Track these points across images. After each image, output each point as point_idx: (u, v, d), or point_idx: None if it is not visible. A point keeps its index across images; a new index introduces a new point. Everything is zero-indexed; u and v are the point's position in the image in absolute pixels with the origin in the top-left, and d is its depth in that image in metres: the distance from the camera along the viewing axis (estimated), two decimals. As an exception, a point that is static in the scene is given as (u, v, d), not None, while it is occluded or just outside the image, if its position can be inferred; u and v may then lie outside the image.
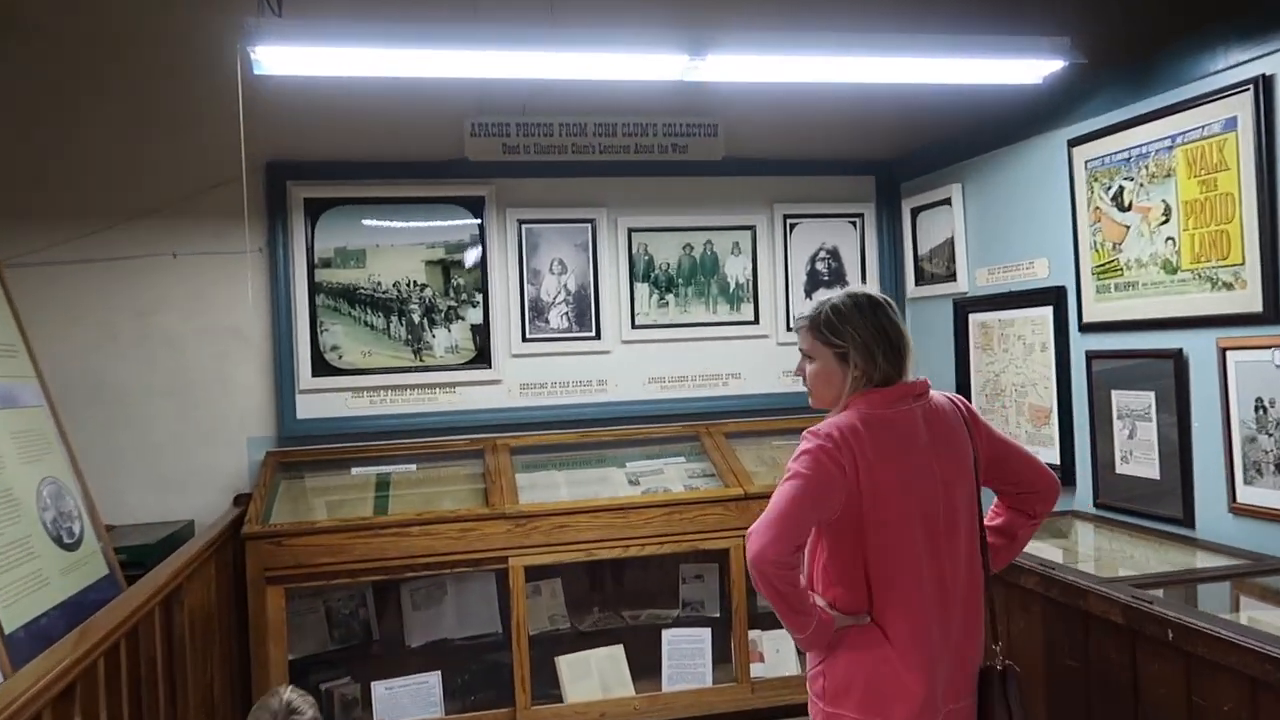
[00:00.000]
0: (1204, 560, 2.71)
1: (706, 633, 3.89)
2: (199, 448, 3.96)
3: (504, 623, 3.88)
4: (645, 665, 3.88)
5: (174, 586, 2.82)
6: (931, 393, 2.00)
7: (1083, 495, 3.35)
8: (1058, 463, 3.45)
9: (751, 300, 4.47)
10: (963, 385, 4.02)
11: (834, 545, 1.93)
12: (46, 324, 3.69)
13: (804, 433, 1.92)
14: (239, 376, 4.01)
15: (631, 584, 4.19)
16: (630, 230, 4.34)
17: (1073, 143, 3.30)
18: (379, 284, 4.10)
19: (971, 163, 3.97)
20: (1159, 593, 2.33)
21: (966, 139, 3.98)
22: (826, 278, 4.55)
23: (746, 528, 3.70)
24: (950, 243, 4.11)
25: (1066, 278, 3.40)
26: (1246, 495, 2.67)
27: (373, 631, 3.88)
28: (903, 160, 4.50)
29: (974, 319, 3.96)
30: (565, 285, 4.29)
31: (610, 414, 4.29)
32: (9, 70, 3.78)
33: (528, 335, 4.24)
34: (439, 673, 3.69)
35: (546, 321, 4.27)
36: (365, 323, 4.09)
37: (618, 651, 3.88)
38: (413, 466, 4.05)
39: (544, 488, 3.98)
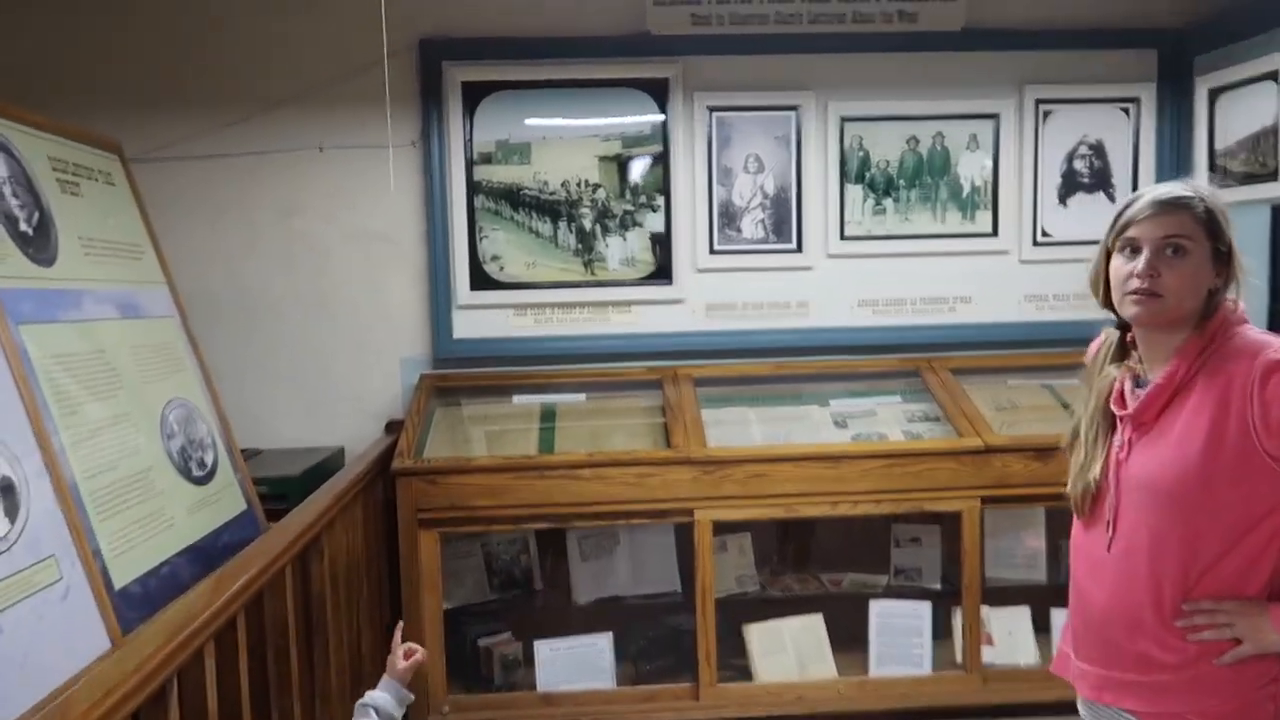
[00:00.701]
0: None
1: (926, 607, 3.23)
2: (348, 367, 3.54)
3: (685, 582, 3.34)
4: (848, 640, 3.27)
5: (315, 532, 2.38)
6: None
7: None
8: None
9: (990, 207, 3.63)
10: (1277, 314, 3.10)
11: None
12: (179, 225, 3.32)
13: (1276, 359, 1.42)
14: (391, 288, 3.54)
15: (832, 542, 3.54)
16: (843, 119, 3.57)
17: None
18: (545, 183, 3.52)
19: (1316, 21, 2.98)
20: None
21: (1309, -11, 2.99)
22: (1087, 180, 3.65)
23: (985, 487, 3.03)
24: (1271, 131, 3.15)
25: None
26: None
27: (535, 582, 3.41)
28: (1201, 26, 3.51)
29: (1305, 231, 3.02)
30: (762, 186, 3.58)
31: (812, 342, 3.60)
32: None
33: (716, 246, 3.58)
34: (610, 634, 3.20)
35: (738, 230, 3.59)
36: (530, 229, 3.53)
37: (816, 622, 3.27)
38: (582, 396, 3.50)
39: (733, 427, 3.37)
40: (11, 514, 1.84)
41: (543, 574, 3.42)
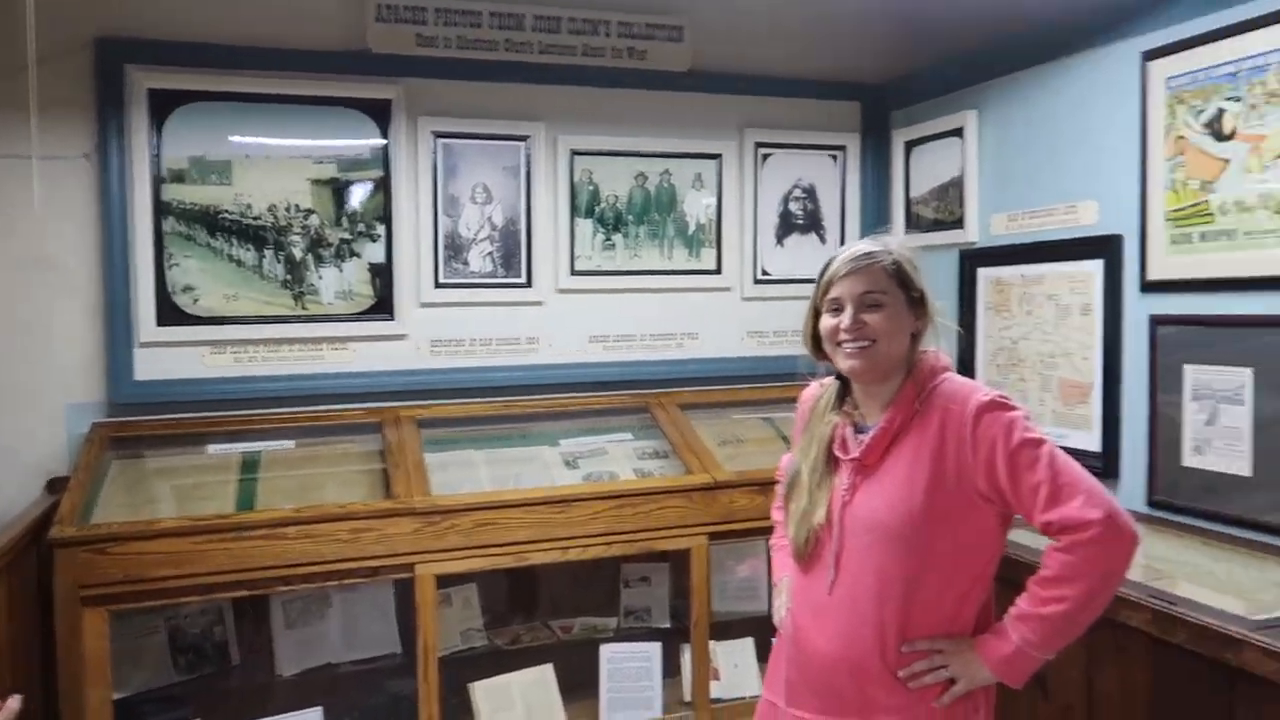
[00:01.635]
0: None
1: (656, 648, 3.18)
2: (-2, 415, 2.98)
3: (405, 642, 3.08)
4: (580, 688, 3.15)
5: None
6: None
7: (1131, 490, 2.74)
8: (1097, 449, 2.84)
9: (714, 245, 3.71)
10: (967, 352, 3.37)
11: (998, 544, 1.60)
12: None
13: (985, 401, 1.53)
14: (55, 323, 3.03)
15: (561, 588, 3.43)
16: (573, 153, 3.51)
17: (1149, 55, 2.64)
18: (248, 207, 3.17)
19: (993, 84, 3.28)
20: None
21: (987, 55, 3.29)
22: (801, 221, 3.82)
23: (712, 523, 3.04)
24: (957, 183, 3.43)
25: (1125, 225, 2.76)
26: (1391, 506, 2.08)
27: (231, 657, 3.00)
28: (896, 84, 3.78)
29: (986, 274, 3.30)
30: (490, 218, 3.43)
31: (542, 379, 3.49)
32: None
33: (442, 279, 3.38)
34: (320, 709, 2.86)
35: (465, 263, 3.41)
36: (229, 256, 3.16)
37: (546, 673, 3.12)
38: (290, 443, 3.16)
39: (459, 471, 3.17)
40: None
41: (240, 646, 3.03)
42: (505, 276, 3.44)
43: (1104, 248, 2.81)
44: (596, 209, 3.55)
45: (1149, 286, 2.68)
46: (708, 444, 3.34)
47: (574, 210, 3.52)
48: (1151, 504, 2.67)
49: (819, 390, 1.78)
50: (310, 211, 3.23)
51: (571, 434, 3.41)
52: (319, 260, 3.25)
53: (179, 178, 3.11)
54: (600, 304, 3.56)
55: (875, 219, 3.86)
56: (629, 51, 3.54)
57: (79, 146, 3.02)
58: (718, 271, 3.70)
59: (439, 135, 3.35)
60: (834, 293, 1.62)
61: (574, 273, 3.52)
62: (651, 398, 3.55)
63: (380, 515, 2.78)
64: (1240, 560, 2.32)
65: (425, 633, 2.82)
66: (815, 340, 1.69)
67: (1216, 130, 2.46)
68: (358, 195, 3.28)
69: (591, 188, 3.54)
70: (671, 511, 3.06)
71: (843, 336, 1.60)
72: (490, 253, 3.43)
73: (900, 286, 1.63)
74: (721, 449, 3.39)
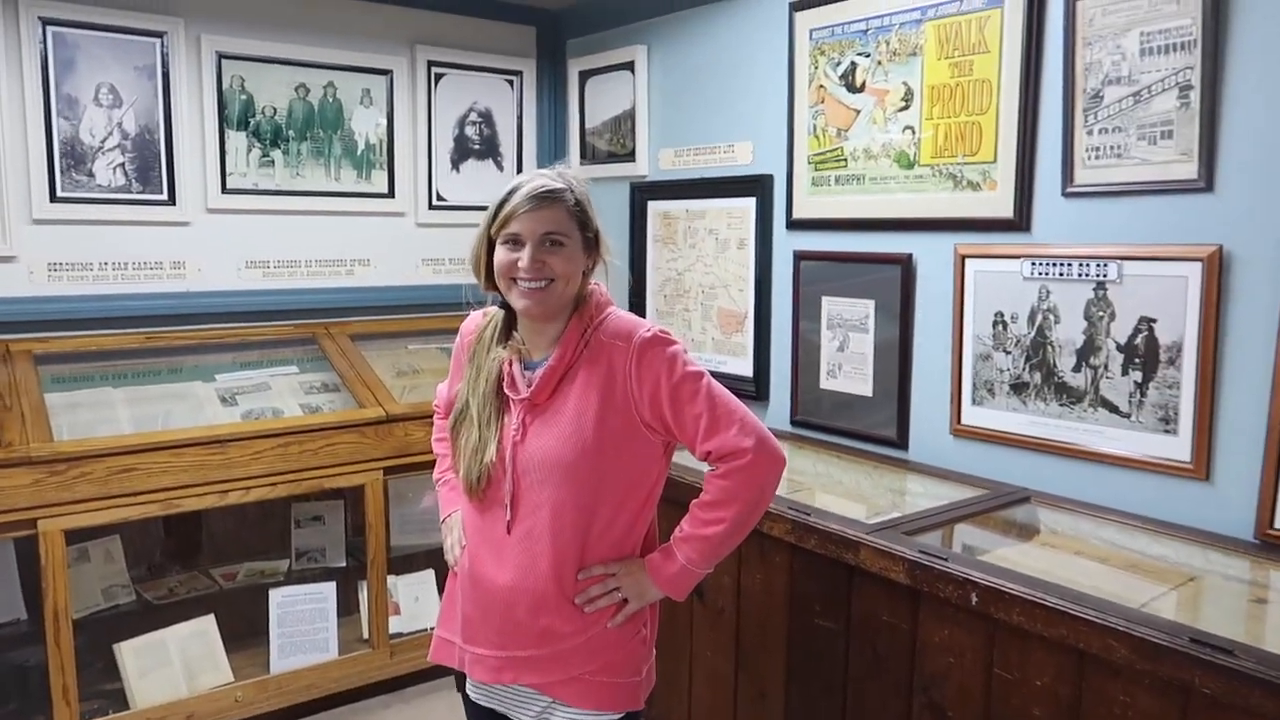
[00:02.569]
0: (922, 485, 2.49)
1: (330, 587, 3.06)
2: None
3: (31, 606, 2.71)
4: (248, 637, 2.98)
5: None
6: None
7: (778, 411, 3.03)
8: (749, 374, 3.10)
9: (385, 167, 3.52)
10: (637, 282, 3.51)
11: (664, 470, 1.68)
12: None
13: (648, 337, 1.57)
14: None
15: (224, 532, 3.19)
16: (220, 55, 3.15)
17: (796, 6, 2.83)
18: None
19: (662, 21, 3.37)
20: (932, 537, 2.01)
21: (656, -9, 3.37)
22: (478, 145, 3.74)
23: (387, 458, 2.97)
24: (629, 116, 3.52)
25: (775, 166, 2.98)
26: (974, 417, 2.47)
27: None
28: (571, 12, 3.78)
29: (655, 208, 3.44)
30: (120, 124, 3.00)
31: (193, 308, 3.16)
32: None
33: (60, 193, 2.92)
34: (-83, 693, 2.46)
35: (90, 175, 2.97)
36: None
37: (207, 625, 2.91)
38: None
39: (92, 412, 2.81)
40: None
41: None
42: (142, 192, 3.05)
43: (757, 186, 3.02)
44: (251, 121, 3.23)
45: (793, 225, 2.92)
46: (381, 376, 3.22)
47: (224, 121, 3.18)
48: (794, 423, 2.96)
49: (481, 321, 1.74)
50: (-126, 103, 2.64)
51: (228, 368, 3.14)
52: (-111, 163, 2.67)
53: None
54: (258, 226, 3.27)
55: (552, 147, 3.87)
56: (285, -54, 3.22)
57: None
58: (390, 195, 3.53)
59: (48, 22, 2.86)
60: (513, 228, 1.56)
61: (225, 191, 3.19)
62: (319, 328, 3.35)
63: (-13, 466, 2.40)
64: (864, 471, 2.65)
65: (54, 594, 2.50)
66: (488, 272, 1.63)
67: (850, 82, 2.71)
68: (-58, 87, 2.72)
69: (244, 97, 3.21)
70: (343, 447, 2.93)
71: (520, 274, 1.55)
72: (121, 164, 3.01)
73: (579, 227, 1.61)
74: (397, 381, 3.29)
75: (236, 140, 3.20)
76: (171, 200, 3.09)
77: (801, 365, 2.93)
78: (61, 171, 2.91)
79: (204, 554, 3.17)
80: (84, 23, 2.90)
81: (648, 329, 1.59)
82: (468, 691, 1.72)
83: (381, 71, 3.47)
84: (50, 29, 2.85)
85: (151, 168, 3.06)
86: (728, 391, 1.60)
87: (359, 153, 3.45)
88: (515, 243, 1.57)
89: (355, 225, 3.47)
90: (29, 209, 2.87)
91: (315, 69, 3.33)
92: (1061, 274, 2.25)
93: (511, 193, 1.59)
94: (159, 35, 3.02)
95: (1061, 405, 2.28)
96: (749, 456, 1.53)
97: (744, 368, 3.11)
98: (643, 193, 3.48)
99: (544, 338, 1.62)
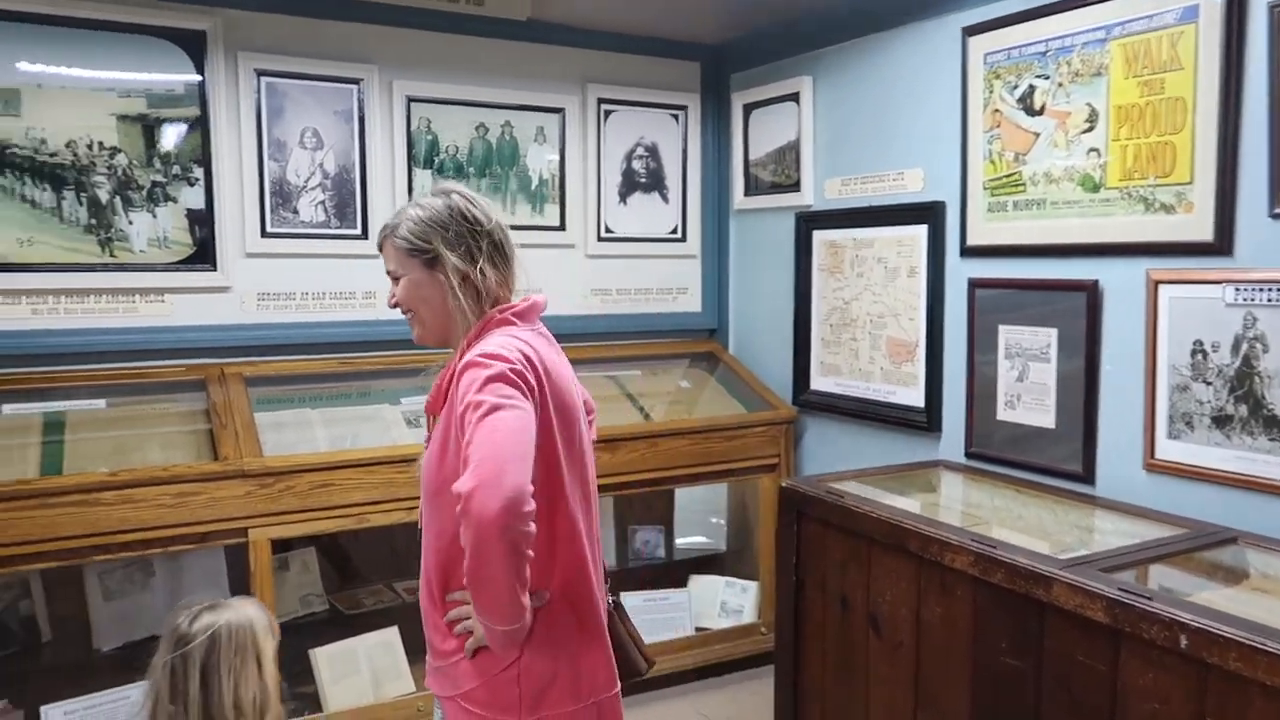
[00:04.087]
0: (1112, 522, 2.37)
1: (502, 605, 3.16)
2: None
3: (238, 610, 2.93)
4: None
5: None
6: None
7: (951, 443, 2.96)
8: (920, 405, 3.04)
9: (557, 201, 3.67)
10: (802, 312, 3.51)
11: None
12: None
13: (470, 359, 1.48)
14: None
15: (407, 549, 3.34)
16: (410, 99, 3.37)
17: (970, 30, 2.80)
18: (43, 142, 2.86)
19: (827, 52, 3.39)
20: (1128, 575, 1.92)
21: (821, 22, 3.39)
22: (644, 179, 3.84)
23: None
24: (793, 147, 3.54)
25: (947, 192, 2.94)
26: (1170, 451, 2.34)
27: (42, 633, 2.77)
28: (735, 45, 3.85)
29: (820, 237, 3.44)
30: (321, 164, 3.25)
31: (381, 335, 3.35)
32: None
33: (269, 229, 3.18)
34: (145, 684, 2.68)
35: (295, 211, 3.22)
36: (23, 197, 2.85)
37: (392, 635, 3.06)
38: (101, 403, 2.91)
39: (294, 431, 3.03)
40: None
41: (52, 621, 2.80)
42: (339, 227, 3.28)
43: (928, 214, 2.98)
44: (436, 159, 3.43)
45: (968, 251, 2.87)
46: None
47: (411, 160, 3.39)
48: (969, 455, 2.89)
49: None
50: (116, 150, 2.95)
51: (411, 392, 3.31)
52: (128, 204, 2.98)
53: (-42, 107, 2.76)
54: (440, 258, 3.45)
55: (717, 180, 3.94)
56: (469, -4, 3.42)
57: None
58: (561, 228, 3.67)
59: (262, 73, 3.13)
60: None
61: (413, 225, 3.40)
62: (494, 354, 3.50)
63: (209, 478, 2.62)
64: (1046, 505, 2.56)
65: (261, 598, 2.69)
66: None
67: (1028, 105, 2.65)
68: (171, 134, 3.02)
69: (430, 137, 3.42)
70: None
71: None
72: (322, 201, 3.26)
73: (411, 255, 1.62)
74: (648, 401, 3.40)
75: (422, 178, 3.41)
76: (364, 234, 3.32)
77: (977, 396, 2.85)
78: (271, 209, 3.17)
79: (387, 569, 3.35)
80: (292, 73, 3.17)
81: (480, 350, 1.49)
82: None
83: (555, 110, 3.62)
84: (264, 79, 3.13)
85: (348, 204, 3.29)
86: (513, 426, 1.40)
87: (533, 188, 3.61)
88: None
89: (528, 257, 3.57)
90: (243, 244, 3.14)
91: (494, 109, 3.51)
92: (1270, 300, 2.12)
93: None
94: (356, 82, 3.27)
95: (1272, 440, 2.14)
96: (462, 503, 1.35)
97: (914, 398, 3.06)
98: (808, 222, 3.48)
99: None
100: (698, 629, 3.48)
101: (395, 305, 1.68)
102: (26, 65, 2.82)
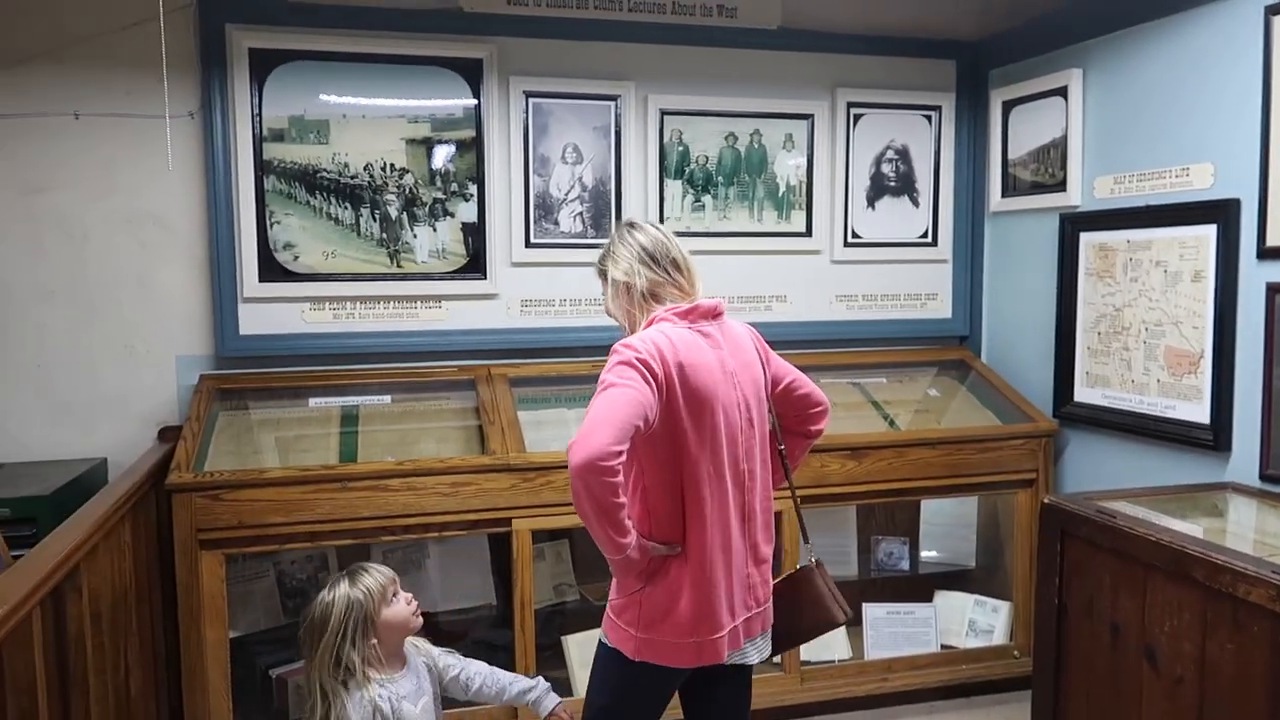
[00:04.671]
0: None
1: (744, 608, 3.20)
2: (111, 366, 3.10)
3: (500, 594, 3.16)
4: (668, 644, 3.19)
5: (73, 565, 2.01)
6: (725, 317, 2.06)
7: (1243, 463, 2.68)
8: (1205, 421, 2.77)
9: (804, 207, 3.67)
10: (1065, 319, 3.30)
11: (651, 466, 1.91)
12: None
13: (613, 348, 1.89)
14: (165, 278, 3.13)
15: (651, 545, 3.47)
16: (663, 112, 3.49)
17: (1273, 9, 2.53)
18: (346, 166, 3.22)
19: (1098, 43, 3.18)
20: None
21: (1092, 12, 3.18)
22: (894, 183, 3.76)
23: (802, 486, 3.03)
24: (1059, 144, 3.34)
25: (1243, 189, 2.67)
26: None
27: (336, 603, 3.11)
28: (995, 41, 3.68)
29: (1088, 239, 3.22)
30: (580, 178, 3.44)
31: (631, 340, 3.50)
32: None
33: (532, 240, 3.40)
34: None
35: (556, 223, 3.43)
36: (328, 215, 3.22)
37: (636, 629, 3.17)
38: (387, 399, 3.24)
39: (551, 429, 3.22)
40: None
41: (344, 593, 3.13)
42: (595, 237, 3.45)
43: (1219, 212, 2.71)
44: (686, 169, 3.53)
45: (1267, 253, 2.59)
46: (797, 406, 3.33)
47: (663, 171, 3.51)
48: (1265, 478, 2.61)
49: None
50: (405, 171, 3.27)
51: (660, 394, 3.42)
52: (413, 219, 3.29)
53: (279, 136, 3.16)
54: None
55: (971, 181, 3.78)
56: (719, 9, 3.49)
57: (186, 105, 3.09)
58: (808, 234, 3.67)
59: (530, 95, 3.36)
60: None
61: (663, 234, 3.52)
62: (739, 360, 3.55)
63: (479, 470, 2.85)
64: (1359, 536, 2.27)
65: (522, 585, 2.89)
66: None
67: (1352, 89, 2.36)
68: (449, 155, 3.30)
69: (681, 148, 3.52)
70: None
71: None
72: (580, 213, 3.44)
73: (600, 276, 2.13)
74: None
75: (673, 188, 3.52)
76: (618, 243, 3.46)
77: (1275, 413, 2.57)
78: (535, 221, 3.39)
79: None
80: (556, 93, 3.37)
81: (625, 340, 1.89)
82: None
83: (803, 116, 3.62)
84: (531, 100, 3.35)
85: (604, 215, 3.46)
86: (613, 400, 1.77)
87: (780, 194, 3.63)
88: None
89: (775, 263, 3.64)
90: (510, 254, 3.38)
91: (743, 118, 3.57)
92: None
93: None
94: (613, 99, 3.43)
95: None
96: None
97: (1198, 413, 2.80)
98: (1074, 224, 3.27)
99: None
100: (943, 646, 3.36)
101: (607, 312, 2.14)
102: (334, 98, 3.19)
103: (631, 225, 2.11)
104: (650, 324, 1.97)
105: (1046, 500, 2.59)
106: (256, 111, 3.13)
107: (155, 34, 2.95)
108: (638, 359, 1.82)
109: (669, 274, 2.04)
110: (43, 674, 1.86)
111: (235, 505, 2.66)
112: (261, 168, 3.14)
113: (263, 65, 3.13)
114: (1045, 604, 2.54)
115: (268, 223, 3.16)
